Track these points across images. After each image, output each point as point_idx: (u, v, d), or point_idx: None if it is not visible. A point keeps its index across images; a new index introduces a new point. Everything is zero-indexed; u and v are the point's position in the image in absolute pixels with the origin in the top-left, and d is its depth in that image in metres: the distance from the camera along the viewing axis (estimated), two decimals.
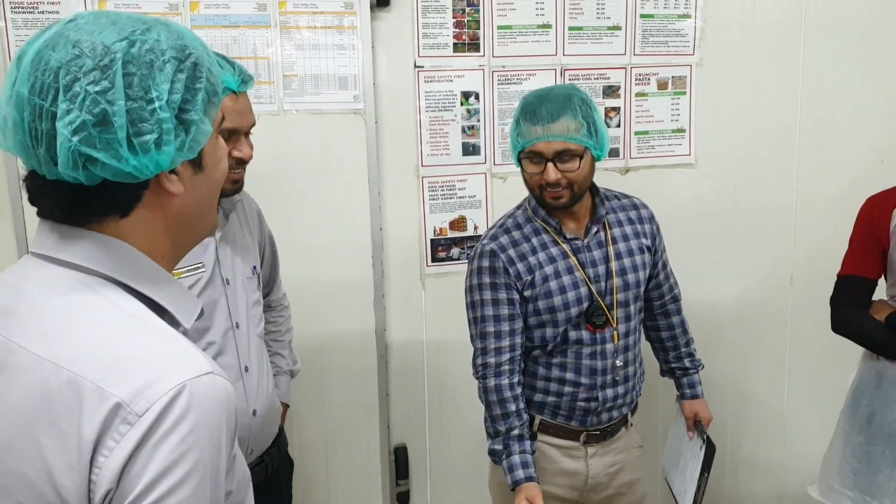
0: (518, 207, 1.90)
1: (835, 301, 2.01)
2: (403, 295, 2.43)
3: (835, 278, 2.02)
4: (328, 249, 2.33)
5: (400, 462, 2.50)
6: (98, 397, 0.76)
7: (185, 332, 0.88)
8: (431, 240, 2.42)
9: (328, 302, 2.35)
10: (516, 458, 1.76)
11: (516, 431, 1.79)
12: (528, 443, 1.79)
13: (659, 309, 2.04)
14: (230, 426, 0.83)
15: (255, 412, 1.60)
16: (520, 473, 1.74)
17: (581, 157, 1.72)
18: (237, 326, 1.60)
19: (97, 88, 0.78)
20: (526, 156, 1.75)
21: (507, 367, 1.80)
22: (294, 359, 2.02)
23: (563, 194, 1.74)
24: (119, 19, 0.83)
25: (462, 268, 2.40)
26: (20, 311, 0.84)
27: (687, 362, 2.06)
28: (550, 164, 1.71)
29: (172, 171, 0.85)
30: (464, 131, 2.38)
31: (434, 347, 2.47)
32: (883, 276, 1.97)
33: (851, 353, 2.04)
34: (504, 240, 1.82)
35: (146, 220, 0.86)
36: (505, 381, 1.80)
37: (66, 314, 0.82)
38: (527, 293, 1.80)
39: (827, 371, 2.58)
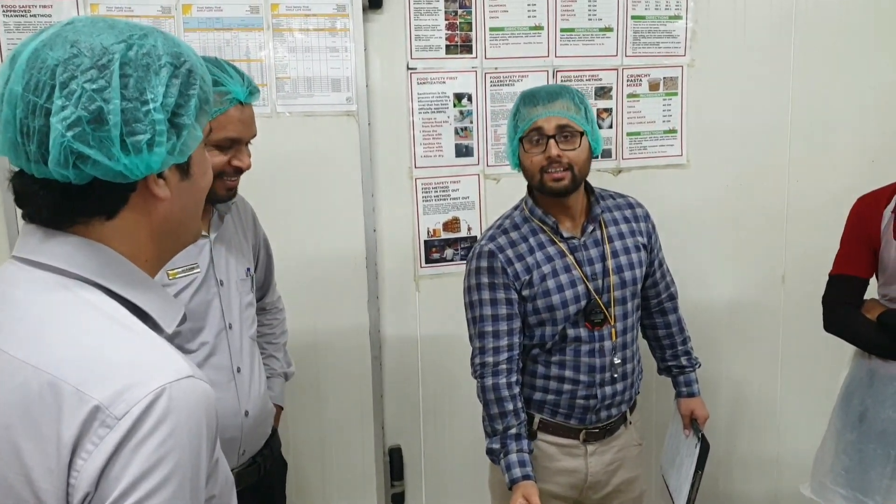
0: (515, 208, 1.91)
1: (827, 300, 2.01)
2: (397, 296, 2.43)
3: (826, 278, 2.03)
4: (322, 251, 2.33)
5: (395, 463, 2.50)
6: (77, 400, 0.76)
7: (176, 335, 0.88)
8: (425, 241, 2.42)
9: (322, 303, 2.35)
10: (514, 457, 1.76)
11: (514, 430, 1.79)
12: (525, 442, 1.79)
13: (656, 307, 2.04)
14: (211, 430, 0.83)
15: (247, 413, 1.60)
16: (517, 472, 1.74)
17: (581, 138, 1.75)
18: (230, 327, 1.60)
19: (94, 86, 0.79)
20: (526, 138, 1.77)
21: (504, 367, 1.81)
22: (288, 361, 2.02)
23: (565, 176, 1.75)
24: (117, 24, 0.85)
25: (456, 269, 2.41)
26: (0, 315, 0.84)
27: (684, 360, 2.07)
28: (552, 141, 1.73)
29: (160, 176, 0.86)
30: (457, 133, 2.39)
31: (428, 348, 2.47)
32: (874, 276, 1.98)
33: (843, 351, 2.05)
34: (502, 240, 1.83)
35: (131, 223, 0.87)
36: (503, 381, 1.80)
37: (47, 317, 0.82)
38: (525, 293, 1.81)
39: (819, 370, 2.59)
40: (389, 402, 2.48)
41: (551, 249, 1.82)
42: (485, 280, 1.81)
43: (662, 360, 2.10)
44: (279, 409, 1.91)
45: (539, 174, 1.77)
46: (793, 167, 2.62)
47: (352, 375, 2.41)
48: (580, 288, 1.82)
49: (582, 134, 1.76)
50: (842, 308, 1.97)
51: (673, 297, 2.07)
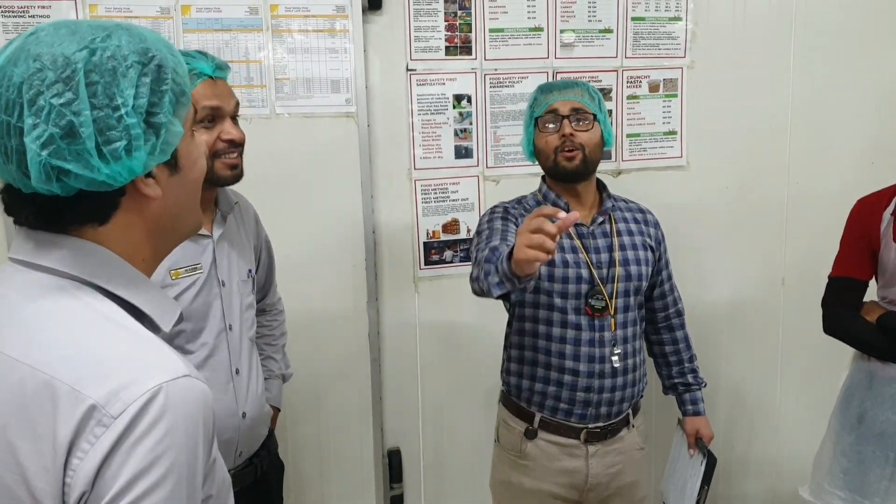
0: (529, 193, 1.96)
1: (826, 303, 2.01)
2: (396, 298, 2.42)
3: (826, 280, 2.03)
4: (321, 252, 2.32)
5: (394, 466, 2.49)
6: (73, 399, 0.75)
7: (177, 335, 0.87)
8: (424, 243, 2.42)
9: (321, 305, 2.34)
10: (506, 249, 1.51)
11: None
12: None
13: (663, 322, 2.04)
14: (207, 429, 0.83)
15: (244, 414, 1.59)
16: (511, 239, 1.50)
17: (594, 122, 1.82)
18: (230, 328, 1.60)
19: (61, 101, 0.78)
20: (542, 120, 1.84)
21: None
22: (287, 363, 2.02)
23: (577, 155, 1.81)
24: (79, 28, 0.82)
25: (455, 270, 2.41)
26: None
27: (690, 378, 2.06)
28: (566, 120, 1.81)
29: (149, 175, 0.85)
30: (456, 134, 2.39)
31: (427, 350, 2.47)
32: (874, 278, 1.98)
33: (843, 353, 2.05)
34: (511, 207, 1.90)
35: (126, 225, 0.87)
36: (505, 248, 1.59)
37: (43, 318, 0.82)
38: None
39: (819, 372, 2.58)
40: (388, 404, 2.47)
41: None
42: (497, 214, 1.85)
43: (668, 378, 2.08)
44: (276, 410, 1.90)
45: (553, 154, 1.82)
46: (792, 169, 2.62)
47: (350, 377, 2.41)
48: (584, 272, 1.84)
49: (594, 119, 1.83)
50: (841, 310, 1.97)
51: (680, 314, 2.07)
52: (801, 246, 2.64)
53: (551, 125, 1.83)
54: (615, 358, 1.85)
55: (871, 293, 1.99)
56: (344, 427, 2.44)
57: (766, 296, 2.68)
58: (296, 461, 2.37)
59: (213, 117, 1.51)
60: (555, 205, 1.88)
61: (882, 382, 1.91)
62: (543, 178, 1.95)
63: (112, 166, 0.81)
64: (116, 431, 0.74)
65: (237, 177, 1.58)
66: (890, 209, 1.91)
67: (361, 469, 2.47)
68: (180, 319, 0.94)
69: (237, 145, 1.55)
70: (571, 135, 1.80)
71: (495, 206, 1.91)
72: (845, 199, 2.03)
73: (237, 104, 1.57)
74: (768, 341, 2.71)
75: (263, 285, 1.92)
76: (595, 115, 1.84)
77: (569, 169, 1.82)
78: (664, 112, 2.52)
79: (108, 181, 0.81)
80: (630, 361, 1.88)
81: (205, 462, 0.83)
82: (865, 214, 1.95)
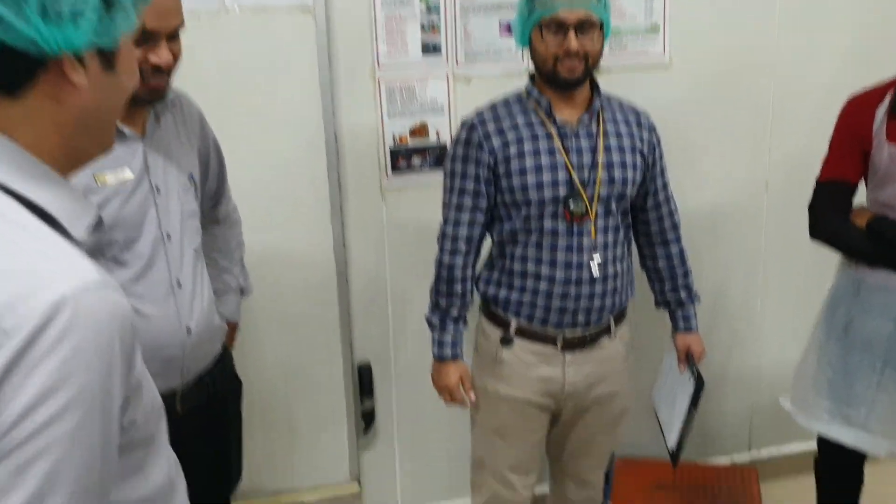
0: (512, 94, 1.87)
1: (814, 208, 1.94)
2: (362, 208, 2.30)
3: (813, 183, 1.95)
4: (279, 161, 2.18)
5: (364, 380, 2.43)
6: None
7: (108, 246, 0.76)
8: (391, 149, 2.28)
9: (281, 216, 2.22)
10: (448, 337, 1.89)
11: (455, 313, 1.89)
12: (462, 324, 1.92)
13: (658, 236, 1.98)
14: (126, 346, 0.72)
15: (189, 330, 1.48)
16: (448, 351, 1.89)
17: (600, 29, 1.74)
18: (168, 238, 1.47)
19: None
20: (545, 25, 1.72)
21: (463, 246, 1.85)
22: (245, 275, 1.93)
23: (579, 67, 1.73)
24: None
25: (425, 178, 2.30)
26: None
27: (683, 294, 2.01)
28: (572, 33, 1.70)
29: (80, 62, 0.74)
30: (423, 29, 2.21)
31: (396, 261, 2.37)
32: (864, 180, 1.89)
33: (828, 261, 1.98)
34: (487, 114, 1.83)
35: (36, 109, 0.75)
36: (459, 261, 1.86)
37: None
38: (501, 169, 1.79)
39: (804, 279, 2.53)
40: (357, 318, 2.39)
41: (539, 130, 1.79)
42: (460, 151, 1.82)
43: (661, 293, 2.04)
44: (234, 325, 1.80)
45: (552, 61, 1.73)
46: (780, 63, 2.48)
47: (316, 291, 2.31)
48: (561, 174, 1.76)
49: (600, 25, 1.73)
50: (830, 215, 1.90)
51: (676, 227, 1.99)
52: (787, 147, 2.54)
53: (555, 34, 1.71)
54: (594, 264, 1.79)
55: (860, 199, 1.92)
56: (311, 342, 2.36)
57: (749, 200, 2.59)
58: (261, 379, 2.29)
59: (146, 38, 1.31)
60: (537, 103, 1.80)
61: (870, 290, 1.86)
62: (532, 76, 1.83)
63: (50, 27, 0.70)
64: (11, 350, 0.64)
65: (158, 98, 1.43)
66: (883, 107, 1.83)
67: (330, 385, 2.40)
68: (101, 226, 0.82)
69: (163, 70, 1.38)
70: (577, 50, 1.70)
71: (461, 130, 1.83)
72: (835, 97, 1.94)
73: (180, 24, 1.38)
74: (751, 248, 2.64)
75: (215, 192, 1.79)
76: (601, 22, 1.73)
77: (569, 79, 1.74)
78: (646, 5, 2.34)
79: (39, 41, 0.70)
80: (611, 269, 1.83)
81: (123, 384, 0.73)
82: (857, 113, 1.88)
